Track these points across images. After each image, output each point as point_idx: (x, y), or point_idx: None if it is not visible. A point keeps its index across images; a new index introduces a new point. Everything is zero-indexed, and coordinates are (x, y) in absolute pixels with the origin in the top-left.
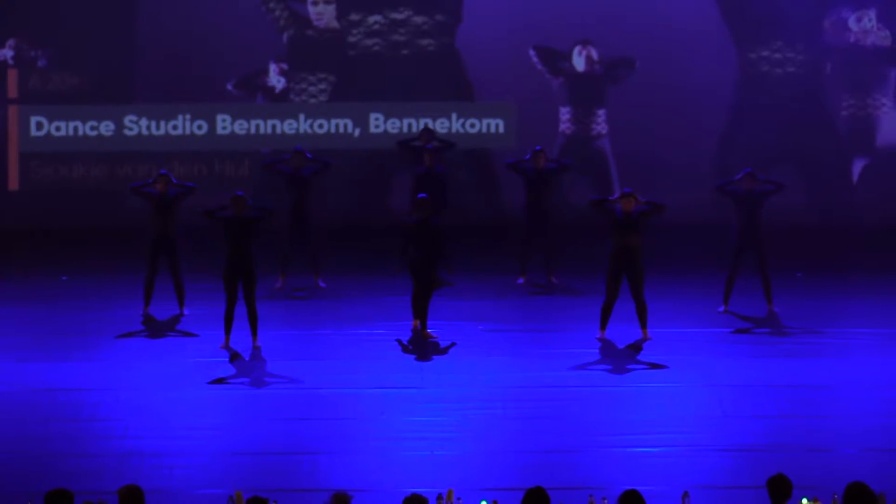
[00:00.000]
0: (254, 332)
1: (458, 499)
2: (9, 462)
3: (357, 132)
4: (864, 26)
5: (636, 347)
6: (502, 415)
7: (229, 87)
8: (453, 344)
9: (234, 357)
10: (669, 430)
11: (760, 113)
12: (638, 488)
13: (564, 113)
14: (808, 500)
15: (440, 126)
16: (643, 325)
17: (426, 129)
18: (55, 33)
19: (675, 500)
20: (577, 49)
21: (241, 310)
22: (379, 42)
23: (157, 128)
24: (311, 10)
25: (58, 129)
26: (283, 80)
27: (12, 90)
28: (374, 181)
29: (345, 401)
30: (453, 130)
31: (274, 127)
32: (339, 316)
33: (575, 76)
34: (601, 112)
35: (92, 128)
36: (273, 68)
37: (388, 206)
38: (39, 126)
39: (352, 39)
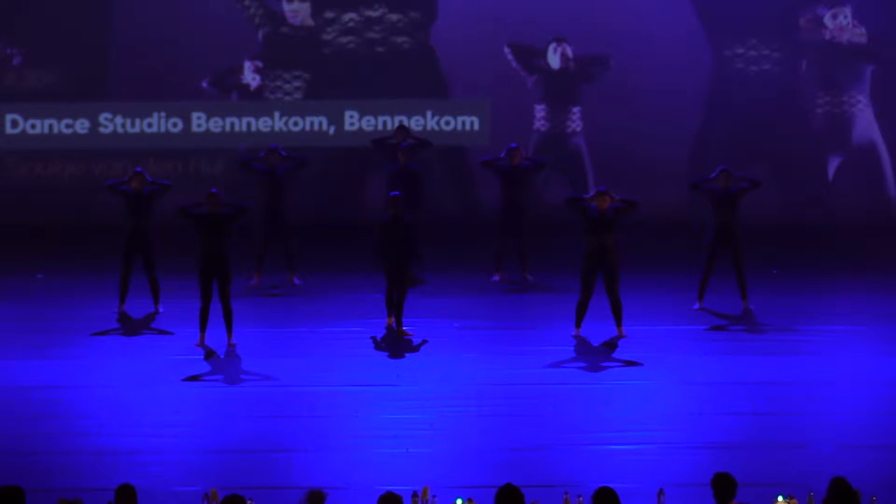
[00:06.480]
0: (229, 330)
1: (434, 496)
2: None
3: (332, 130)
4: (840, 23)
5: (611, 345)
6: (477, 412)
7: (204, 84)
8: (425, 341)
9: (209, 355)
10: (645, 427)
11: (735, 110)
12: (613, 486)
13: (539, 110)
14: (784, 498)
15: (415, 123)
16: (618, 322)
17: (401, 126)
18: (30, 31)
19: (650, 497)
20: (551, 46)
21: (216, 307)
22: (354, 39)
23: (132, 125)
24: (286, 7)
25: (33, 126)
26: (257, 77)
27: None
28: (349, 179)
29: (320, 398)
30: (428, 128)
31: (249, 124)
32: (313, 313)
33: (550, 74)
34: (576, 110)
35: (67, 126)
36: (248, 66)
37: (362, 204)
38: (15, 124)
39: (327, 37)
